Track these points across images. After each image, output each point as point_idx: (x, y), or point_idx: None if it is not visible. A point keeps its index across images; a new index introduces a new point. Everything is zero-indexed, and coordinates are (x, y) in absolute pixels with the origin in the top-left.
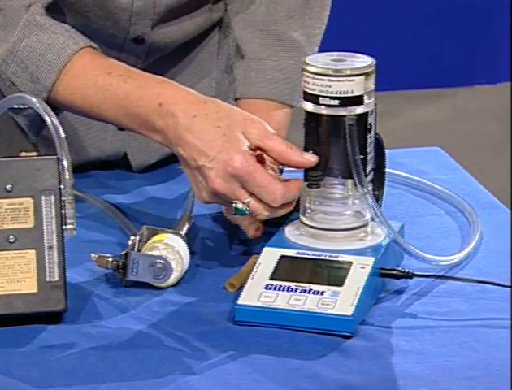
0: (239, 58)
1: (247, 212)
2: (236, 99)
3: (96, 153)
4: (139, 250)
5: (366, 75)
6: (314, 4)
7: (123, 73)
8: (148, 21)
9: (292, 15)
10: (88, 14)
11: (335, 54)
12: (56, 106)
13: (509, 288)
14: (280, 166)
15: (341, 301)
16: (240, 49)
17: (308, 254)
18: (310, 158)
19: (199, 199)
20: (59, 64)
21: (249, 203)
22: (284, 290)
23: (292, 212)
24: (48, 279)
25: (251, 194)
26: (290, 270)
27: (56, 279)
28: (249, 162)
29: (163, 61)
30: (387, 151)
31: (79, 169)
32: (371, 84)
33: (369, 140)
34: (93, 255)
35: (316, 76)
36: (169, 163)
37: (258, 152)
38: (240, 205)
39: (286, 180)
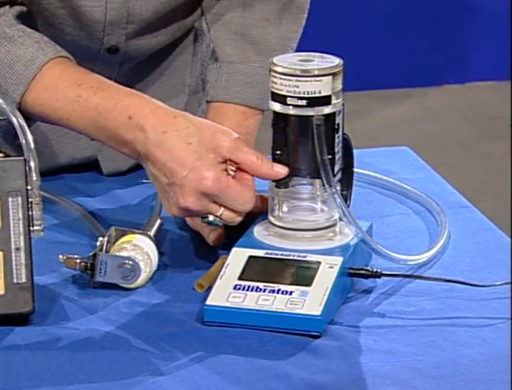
0: (212, 61)
1: (220, 223)
2: (208, 102)
3: (67, 160)
4: (107, 251)
5: (334, 75)
6: (292, 7)
7: (93, 85)
8: (122, 30)
9: (267, 18)
10: (62, 26)
11: (302, 54)
12: (27, 116)
13: (476, 287)
14: None
15: (310, 300)
16: (214, 52)
17: (276, 254)
18: (281, 170)
19: (168, 212)
20: (28, 76)
21: (222, 215)
22: (252, 290)
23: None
24: (15, 281)
25: (223, 205)
26: (259, 271)
27: (23, 280)
28: (222, 180)
29: (137, 69)
30: (355, 151)
31: (49, 173)
32: (339, 85)
33: (337, 140)
34: (60, 256)
35: (283, 77)
36: (139, 169)
37: (230, 163)
38: (211, 218)
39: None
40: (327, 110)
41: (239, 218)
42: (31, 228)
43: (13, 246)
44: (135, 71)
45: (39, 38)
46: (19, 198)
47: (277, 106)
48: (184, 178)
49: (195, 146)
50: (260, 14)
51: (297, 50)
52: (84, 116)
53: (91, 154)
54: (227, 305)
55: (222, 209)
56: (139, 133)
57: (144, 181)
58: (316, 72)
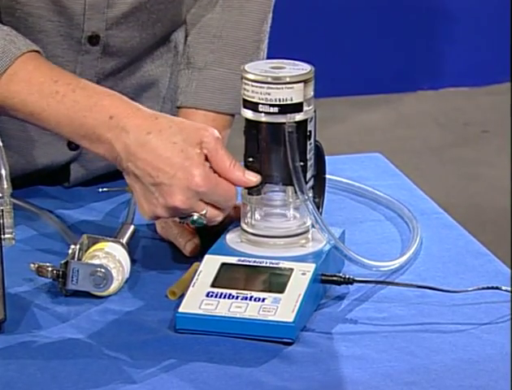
0: (184, 66)
1: (204, 221)
2: (178, 107)
3: (40, 168)
4: (79, 259)
5: (305, 82)
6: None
7: (71, 82)
8: (102, 15)
9: (247, 21)
10: (41, 11)
11: (274, 62)
12: None
13: (448, 293)
14: None
15: (282, 307)
16: (187, 57)
17: (249, 261)
18: (252, 178)
19: (147, 215)
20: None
21: (206, 213)
22: (225, 297)
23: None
24: None
25: (207, 203)
26: (231, 278)
27: None
28: (211, 177)
29: (116, 80)
30: (328, 157)
31: (18, 179)
32: (310, 92)
33: (309, 147)
34: (32, 265)
35: (255, 84)
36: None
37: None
38: (196, 217)
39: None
40: (298, 117)
41: (221, 217)
42: (2, 236)
43: None
44: (113, 81)
45: (9, 31)
46: None
47: (249, 114)
48: (172, 177)
49: (181, 145)
50: (238, 16)
51: (269, 57)
52: (58, 113)
53: (68, 160)
54: (200, 312)
55: (207, 207)
56: (120, 133)
57: (103, 190)
58: (288, 79)
